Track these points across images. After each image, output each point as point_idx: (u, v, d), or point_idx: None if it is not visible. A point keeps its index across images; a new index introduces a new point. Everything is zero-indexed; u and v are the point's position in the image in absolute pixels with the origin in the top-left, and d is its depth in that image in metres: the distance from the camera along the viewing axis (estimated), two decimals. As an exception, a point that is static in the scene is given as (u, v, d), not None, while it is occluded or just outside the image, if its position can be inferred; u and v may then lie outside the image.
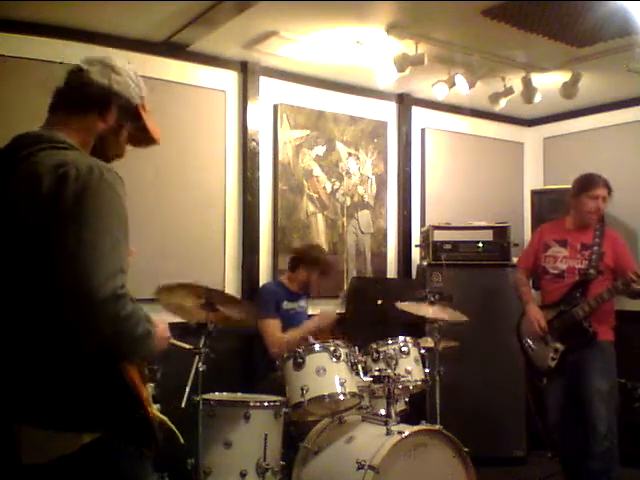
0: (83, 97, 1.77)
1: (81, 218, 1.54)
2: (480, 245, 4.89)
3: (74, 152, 1.68)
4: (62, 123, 1.75)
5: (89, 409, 1.58)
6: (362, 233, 5.02)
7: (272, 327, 3.97)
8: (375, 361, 3.47)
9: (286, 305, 4.10)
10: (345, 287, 4.83)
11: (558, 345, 3.89)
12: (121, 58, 1.87)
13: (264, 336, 3.97)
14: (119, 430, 1.61)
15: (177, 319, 3.17)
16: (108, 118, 1.79)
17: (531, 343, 4.04)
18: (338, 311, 4.43)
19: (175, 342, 2.42)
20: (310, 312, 4.32)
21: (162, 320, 1.78)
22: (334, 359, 3.22)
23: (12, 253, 1.60)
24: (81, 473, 1.60)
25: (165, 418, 1.82)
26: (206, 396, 3.17)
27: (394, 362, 3.43)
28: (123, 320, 1.52)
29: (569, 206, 4.05)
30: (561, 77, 4.51)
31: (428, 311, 3.77)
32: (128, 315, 1.53)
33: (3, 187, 1.65)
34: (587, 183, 3.94)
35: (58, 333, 1.54)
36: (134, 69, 1.87)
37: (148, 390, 1.77)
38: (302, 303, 4.24)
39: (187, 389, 2.99)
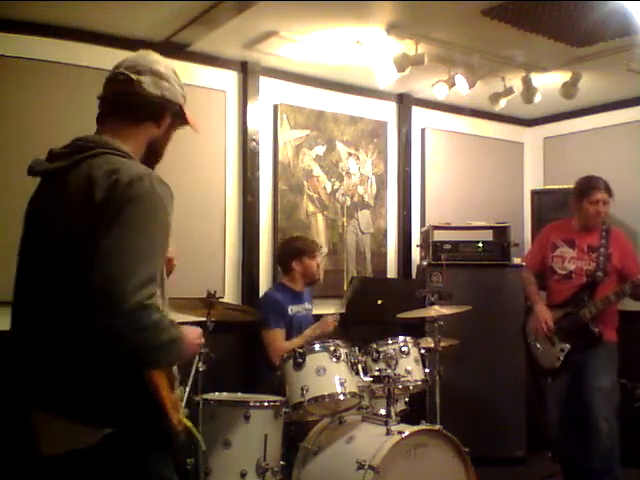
0: (138, 109, 1.79)
1: (124, 222, 1.57)
2: (480, 245, 4.89)
3: (129, 160, 1.71)
4: (115, 132, 1.77)
5: (109, 407, 1.61)
6: (362, 233, 5.02)
7: (276, 338, 3.94)
8: (375, 361, 3.47)
9: (292, 309, 4.06)
10: (345, 287, 4.82)
11: (564, 345, 3.89)
12: (157, 57, 1.87)
13: (267, 347, 3.93)
14: (138, 433, 1.63)
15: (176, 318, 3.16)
16: (162, 125, 1.85)
17: (537, 343, 4.04)
18: (339, 311, 4.42)
19: None
20: (313, 312, 4.29)
21: (192, 329, 1.82)
22: (334, 359, 3.22)
23: (59, 249, 1.65)
24: (102, 467, 1.62)
25: (190, 424, 1.82)
26: (206, 396, 3.17)
27: (394, 362, 3.43)
28: (146, 329, 1.55)
29: (572, 209, 4.05)
30: (561, 77, 4.51)
31: (429, 312, 3.77)
32: (152, 324, 1.56)
33: (62, 184, 1.69)
34: (586, 188, 3.94)
35: (86, 331, 1.56)
36: (172, 67, 1.88)
37: (178, 393, 1.79)
38: (307, 305, 4.21)
39: (187, 389, 2.99)
